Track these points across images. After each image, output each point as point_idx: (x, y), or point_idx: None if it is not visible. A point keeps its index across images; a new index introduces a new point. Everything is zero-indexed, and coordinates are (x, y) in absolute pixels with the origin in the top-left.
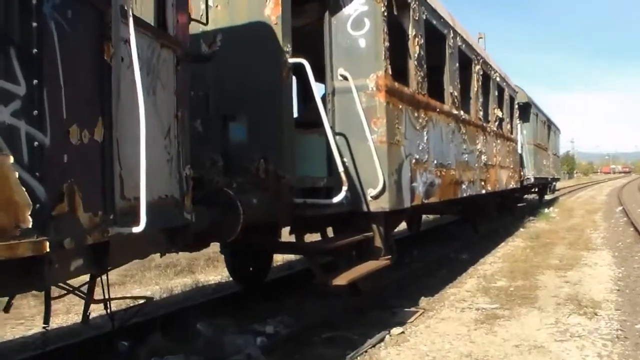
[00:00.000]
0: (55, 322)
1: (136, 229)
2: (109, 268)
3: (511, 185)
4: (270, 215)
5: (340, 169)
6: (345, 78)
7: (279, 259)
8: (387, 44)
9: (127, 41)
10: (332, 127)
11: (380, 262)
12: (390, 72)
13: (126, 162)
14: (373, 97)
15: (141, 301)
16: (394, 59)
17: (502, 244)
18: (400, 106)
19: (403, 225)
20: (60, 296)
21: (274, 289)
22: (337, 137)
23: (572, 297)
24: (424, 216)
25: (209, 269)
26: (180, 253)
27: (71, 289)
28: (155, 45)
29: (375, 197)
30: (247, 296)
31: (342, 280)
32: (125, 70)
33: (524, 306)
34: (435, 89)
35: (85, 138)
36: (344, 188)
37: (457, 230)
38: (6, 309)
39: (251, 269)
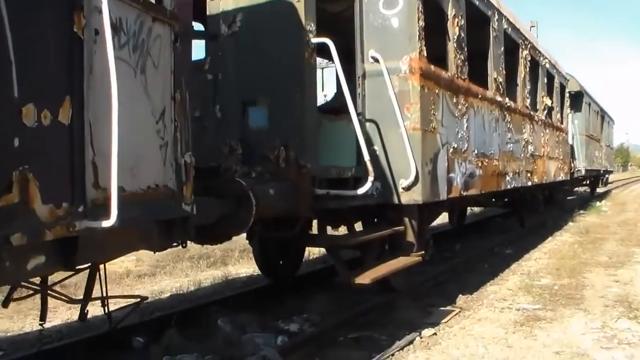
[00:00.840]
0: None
1: (106, 223)
2: (84, 266)
3: (560, 177)
4: (289, 207)
5: (366, 157)
6: (377, 60)
7: (315, 251)
8: (422, 23)
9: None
10: (361, 113)
11: (412, 258)
12: (425, 54)
13: (101, 147)
14: (406, 81)
15: (133, 300)
16: (430, 40)
17: (550, 238)
18: (437, 91)
19: (445, 218)
20: (27, 296)
21: (306, 283)
22: (368, 124)
23: (621, 298)
24: (468, 209)
25: (243, 261)
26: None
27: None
28: (145, 19)
29: (407, 189)
30: (275, 291)
31: (365, 278)
32: (100, 45)
33: (569, 307)
34: (478, 75)
35: (46, 119)
36: (370, 178)
37: (503, 224)
38: (5, 304)
39: (281, 262)
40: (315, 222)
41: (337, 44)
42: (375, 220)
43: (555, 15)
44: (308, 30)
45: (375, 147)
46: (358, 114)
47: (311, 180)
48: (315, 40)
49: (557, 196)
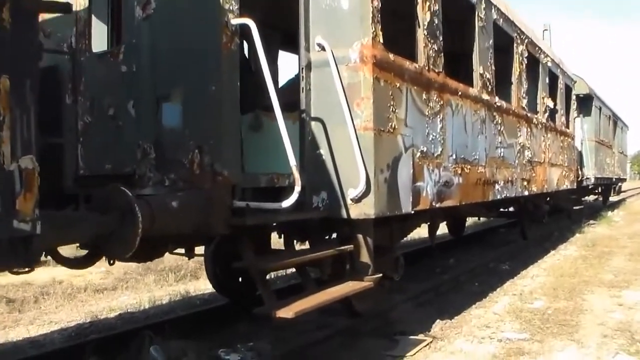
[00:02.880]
0: None
1: None
2: None
3: (565, 186)
4: (198, 222)
5: (292, 162)
6: (323, 48)
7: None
8: (377, 3)
9: None
10: (304, 110)
11: (362, 283)
12: (381, 40)
13: None
14: (356, 72)
15: None
16: (394, 26)
17: (552, 252)
18: (398, 84)
19: (444, 229)
20: None
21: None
22: (313, 123)
23: (623, 326)
24: (472, 218)
25: None
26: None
27: None
28: None
29: (357, 200)
30: (231, 313)
31: (288, 311)
32: None
33: (560, 337)
34: (461, 69)
35: None
36: (297, 189)
37: (506, 235)
38: None
39: (240, 279)
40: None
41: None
42: (328, 236)
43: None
44: (227, 10)
45: (321, 151)
46: (302, 111)
47: (229, 190)
48: (235, 21)
49: (563, 206)
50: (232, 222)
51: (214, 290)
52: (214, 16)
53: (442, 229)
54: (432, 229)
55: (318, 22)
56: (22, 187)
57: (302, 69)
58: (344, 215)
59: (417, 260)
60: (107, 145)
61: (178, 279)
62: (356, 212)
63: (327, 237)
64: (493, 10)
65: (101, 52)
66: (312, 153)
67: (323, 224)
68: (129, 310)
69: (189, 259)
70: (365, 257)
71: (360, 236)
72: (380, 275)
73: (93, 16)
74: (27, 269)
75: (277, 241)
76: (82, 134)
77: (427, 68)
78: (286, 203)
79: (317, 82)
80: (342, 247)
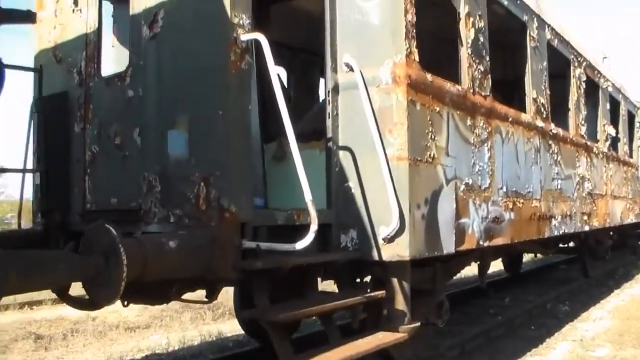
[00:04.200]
0: None
1: None
2: None
3: (629, 219)
4: (201, 265)
5: (307, 196)
6: (351, 68)
7: None
8: (411, 17)
9: None
10: (332, 138)
11: (395, 335)
12: (416, 58)
13: None
14: (388, 94)
15: None
16: (434, 44)
17: (616, 291)
18: (438, 109)
19: (495, 266)
20: None
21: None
22: (341, 152)
23: None
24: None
25: None
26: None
27: None
28: None
29: (389, 240)
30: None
31: None
32: None
33: None
34: (511, 94)
35: None
36: (312, 228)
37: (566, 272)
38: None
39: None
40: None
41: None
42: (360, 278)
43: None
44: (236, 24)
45: (350, 183)
46: (328, 139)
47: (237, 229)
48: (246, 37)
49: (628, 241)
50: (240, 265)
51: None
52: (220, 32)
53: (498, 265)
54: (482, 268)
55: (346, 40)
56: None
57: (329, 92)
58: (375, 256)
59: (469, 300)
60: (113, 177)
61: (216, 317)
62: (388, 253)
63: (358, 280)
64: (546, 30)
65: (109, 76)
66: (340, 186)
67: (354, 265)
68: (156, 352)
69: (208, 302)
70: (400, 303)
71: (394, 280)
72: (418, 324)
73: (104, 39)
74: None
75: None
76: (90, 165)
77: (471, 91)
78: (300, 244)
79: (345, 107)
80: (373, 294)
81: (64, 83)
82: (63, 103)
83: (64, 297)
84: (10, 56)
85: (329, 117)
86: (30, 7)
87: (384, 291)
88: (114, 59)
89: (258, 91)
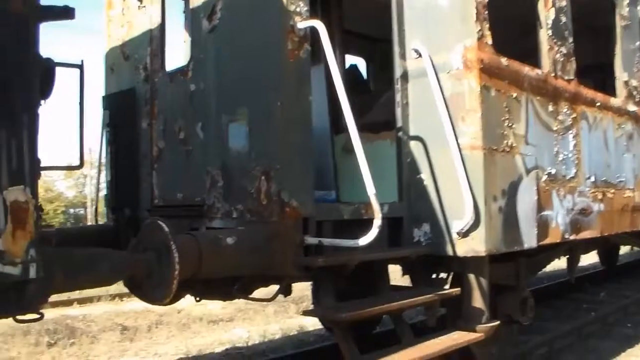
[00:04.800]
0: None
1: None
2: None
3: None
4: (260, 262)
5: (370, 190)
6: (420, 54)
7: None
8: None
9: None
10: (402, 128)
11: (471, 335)
12: (489, 41)
13: None
14: (459, 80)
15: None
16: (509, 27)
17: None
18: (515, 94)
19: (591, 258)
20: None
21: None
22: (412, 143)
23: None
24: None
25: None
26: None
27: None
28: None
29: (464, 234)
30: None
31: None
32: None
33: None
34: (604, 79)
35: None
36: (376, 223)
37: None
38: None
39: None
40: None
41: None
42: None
43: None
44: (292, 12)
45: (422, 175)
46: (398, 129)
47: (299, 224)
48: (303, 24)
49: None
50: (301, 262)
51: None
52: (276, 20)
53: (594, 257)
54: (572, 262)
55: (414, 25)
56: (8, 223)
57: (397, 80)
58: (449, 252)
59: (562, 294)
60: (178, 172)
61: (299, 310)
62: (463, 248)
63: (435, 275)
64: (639, 7)
65: (172, 71)
66: (412, 178)
67: (430, 260)
68: (236, 345)
69: (269, 301)
70: (477, 301)
71: (471, 276)
72: (497, 323)
73: (168, 34)
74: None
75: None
76: (157, 160)
77: (553, 74)
78: (364, 240)
79: (415, 95)
80: (446, 291)
81: (131, 80)
82: (130, 99)
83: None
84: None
85: (398, 106)
86: (102, 6)
87: (459, 289)
88: (185, 54)
89: (327, 81)
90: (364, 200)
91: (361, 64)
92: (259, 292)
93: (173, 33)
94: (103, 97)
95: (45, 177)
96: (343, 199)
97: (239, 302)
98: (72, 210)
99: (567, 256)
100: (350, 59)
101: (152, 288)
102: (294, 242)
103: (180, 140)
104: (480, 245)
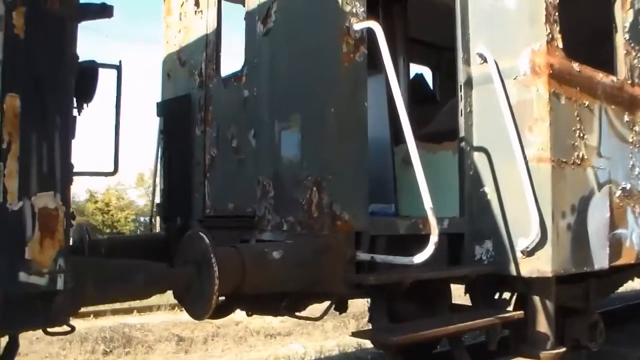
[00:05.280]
0: None
1: None
2: None
3: None
4: (308, 279)
5: (428, 203)
6: (485, 59)
7: None
8: None
9: None
10: (465, 138)
11: None
12: (559, 44)
13: None
14: (527, 87)
15: None
16: (583, 30)
17: None
18: (587, 102)
19: None
20: None
21: None
22: (475, 154)
23: None
24: None
25: None
26: None
27: None
28: None
29: (528, 253)
30: None
31: None
32: None
33: None
34: None
35: None
36: (432, 239)
37: None
38: None
39: None
40: None
41: None
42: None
43: None
44: (348, 13)
45: (486, 189)
46: (461, 139)
47: (351, 238)
48: (359, 25)
49: None
50: (352, 279)
51: None
52: (331, 20)
53: None
54: None
55: (479, 28)
56: (35, 231)
57: (461, 86)
58: (513, 271)
59: (637, 317)
60: (230, 181)
61: (359, 326)
62: (528, 268)
63: (497, 295)
64: None
65: (227, 77)
66: (475, 191)
67: (492, 279)
68: None
69: (317, 320)
70: (542, 325)
71: (536, 298)
72: (562, 350)
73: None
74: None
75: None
76: (209, 169)
77: (630, 82)
78: (419, 258)
79: (480, 102)
80: (508, 314)
81: (187, 86)
82: (185, 106)
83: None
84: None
85: (461, 115)
86: (160, 13)
87: (522, 312)
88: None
89: (387, 90)
90: (423, 215)
91: (427, 73)
92: (313, 308)
93: (230, 38)
94: (157, 103)
95: (118, 185)
96: (403, 213)
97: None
98: (142, 219)
99: None
100: (416, 68)
101: (192, 302)
102: (344, 258)
103: (233, 148)
104: (547, 265)
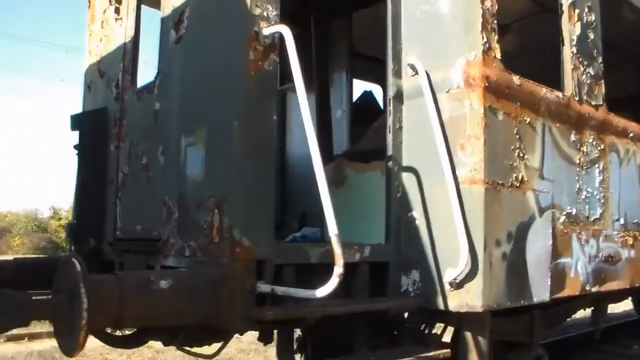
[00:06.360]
0: None
1: None
2: None
3: None
4: (203, 312)
5: (332, 230)
6: (416, 70)
7: None
8: (490, 4)
9: None
10: (392, 157)
11: None
12: (497, 54)
13: None
14: (460, 101)
15: None
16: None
17: None
18: (529, 119)
19: (624, 306)
20: None
21: None
22: (404, 175)
23: None
24: None
25: None
26: None
27: None
28: None
29: (457, 285)
30: None
31: None
32: None
33: None
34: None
35: None
36: (336, 271)
37: None
38: None
39: None
40: None
41: None
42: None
43: None
44: (258, 16)
45: (414, 213)
46: (388, 158)
47: (252, 268)
48: (268, 30)
49: None
50: (250, 313)
51: None
52: (237, 25)
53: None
54: (597, 314)
55: (412, 37)
56: None
57: (390, 100)
58: (441, 305)
59: (590, 346)
60: (139, 201)
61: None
62: (456, 302)
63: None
64: None
65: (141, 88)
66: (403, 216)
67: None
68: None
69: (211, 358)
70: None
71: (468, 334)
72: None
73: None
74: None
75: None
76: (121, 187)
77: (577, 98)
78: (322, 292)
79: (410, 118)
80: (430, 354)
81: (105, 98)
82: (101, 119)
83: (97, 334)
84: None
85: (389, 132)
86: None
87: (448, 350)
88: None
89: (317, 105)
90: (350, 240)
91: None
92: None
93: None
94: (72, 116)
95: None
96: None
97: (244, 341)
98: None
99: (593, 307)
100: (366, 85)
101: (63, 335)
102: (243, 289)
103: (143, 166)
104: (477, 299)
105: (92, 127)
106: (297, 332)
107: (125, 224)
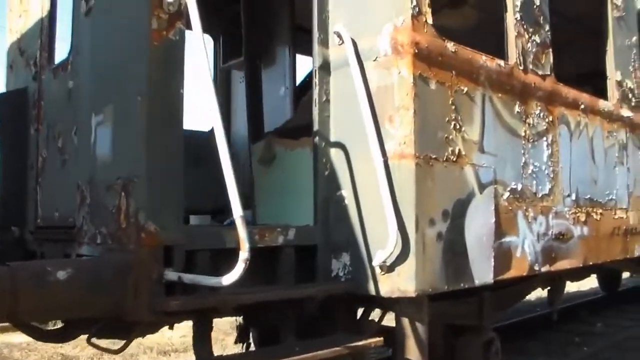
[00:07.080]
0: None
1: None
2: None
3: None
4: (106, 303)
5: (237, 211)
6: (343, 39)
7: None
8: None
9: None
10: (319, 132)
11: None
12: (429, 19)
13: None
14: (387, 69)
15: None
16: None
17: None
18: (467, 89)
19: (590, 283)
20: None
21: None
22: (333, 151)
23: None
24: None
25: None
26: None
27: None
28: None
29: (388, 269)
30: None
31: None
32: None
33: None
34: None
35: None
36: (241, 256)
37: None
38: None
39: None
40: None
41: None
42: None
43: None
44: None
45: (343, 192)
46: (315, 134)
47: (159, 255)
48: None
49: None
50: (156, 304)
51: None
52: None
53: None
54: (553, 295)
55: (339, 3)
56: None
57: (316, 71)
58: (372, 290)
59: (553, 325)
60: (56, 186)
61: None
62: (387, 287)
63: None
64: None
65: (57, 65)
66: (331, 195)
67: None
68: None
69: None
70: (412, 352)
71: (404, 320)
72: None
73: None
74: None
75: None
76: (41, 172)
77: (522, 68)
78: (227, 279)
79: (338, 90)
80: (362, 342)
81: (25, 78)
82: (20, 100)
83: (23, 328)
84: None
85: (315, 105)
86: None
87: (380, 338)
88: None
89: (247, 80)
90: (277, 222)
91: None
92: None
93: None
94: None
95: None
96: (262, 220)
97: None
98: None
99: (549, 288)
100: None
101: None
102: (149, 278)
103: (58, 149)
104: (409, 283)
105: (11, 109)
106: (239, 321)
107: (45, 211)
